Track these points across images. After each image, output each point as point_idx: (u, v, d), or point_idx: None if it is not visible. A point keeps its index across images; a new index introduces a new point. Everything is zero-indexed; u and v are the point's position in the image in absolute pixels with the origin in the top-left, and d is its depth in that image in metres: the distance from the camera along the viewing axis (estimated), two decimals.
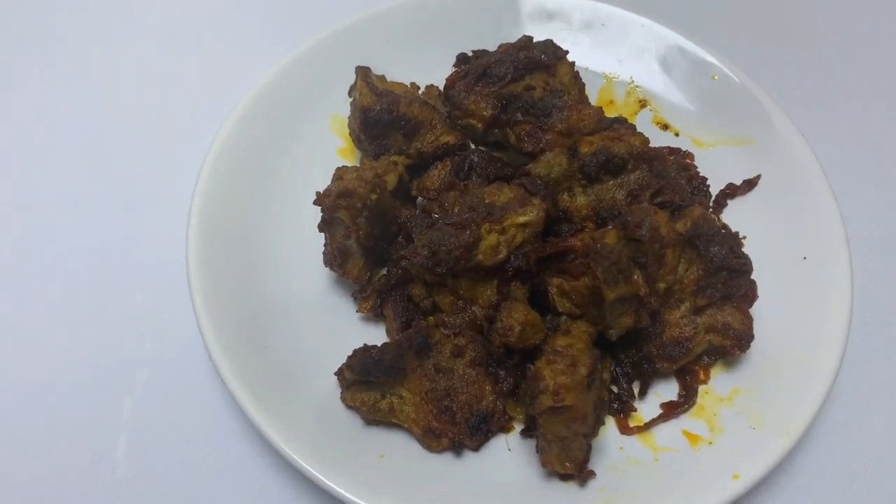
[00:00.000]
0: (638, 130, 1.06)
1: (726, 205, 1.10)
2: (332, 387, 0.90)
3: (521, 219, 0.90)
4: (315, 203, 0.91)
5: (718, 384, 0.95)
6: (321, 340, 0.94)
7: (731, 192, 1.10)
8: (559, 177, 0.99)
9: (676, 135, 1.18)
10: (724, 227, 1.06)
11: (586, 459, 0.84)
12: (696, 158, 1.15)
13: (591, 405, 0.83)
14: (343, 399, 0.89)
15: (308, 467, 0.80)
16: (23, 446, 0.92)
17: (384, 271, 1.00)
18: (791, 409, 0.88)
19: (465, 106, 1.08)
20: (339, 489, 0.79)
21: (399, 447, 0.88)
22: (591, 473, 0.85)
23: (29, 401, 0.96)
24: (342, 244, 0.95)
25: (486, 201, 0.92)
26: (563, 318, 0.91)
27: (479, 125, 1.08)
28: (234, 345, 0.88)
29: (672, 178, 1.01)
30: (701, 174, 1.12)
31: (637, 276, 0.87)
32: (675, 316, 0.94)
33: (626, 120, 1.11)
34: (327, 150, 1.12)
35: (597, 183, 0.99)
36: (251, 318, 0.93)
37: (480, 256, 0.89)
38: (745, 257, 0.96)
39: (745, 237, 1.05)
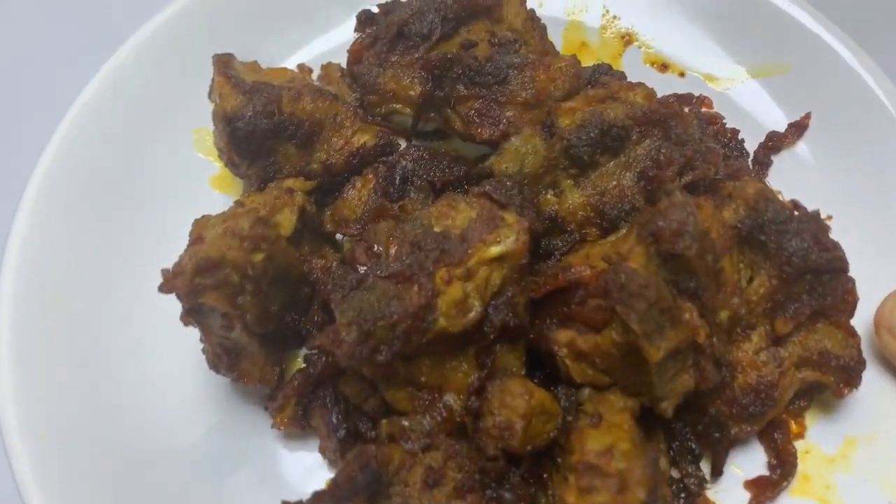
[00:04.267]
0: (632, 79, 0.90)
1: (771, 163, 0.92)
2: None
3: (493, 250, 0.71)
4: (161, 290, 0.63)
5: (821, 436, 0.77)
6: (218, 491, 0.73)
7: (776, 143, 0.93)
8: (536, 169, 0.82)
9: (681, 75, 1.01)
10: (795, 204, 0.88)
11: None
12: (714, 104, 0.98)
13: None
14: None
15: None
16: None
17: (303, 354, 0.80)
18: None
19: (380, 86, 0.90)
20: None
21: None
22: None
23: None
24: (224, 339, 0.72)
25: (436, 230, 0.73)
26: (586, 389, 0.71)
27: (407, 110, 0.92)
28: None
29: (698, 141, 0.82)
30: (728, 126, 0.95)
31: (690, 314, 0.66)
32: (746, 353, 0.75)
33: (610, 67, 0.96)
34: (195, 181, 0.91)
35: (591, 168, 0.82)
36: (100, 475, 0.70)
37: (442, 321, 0.69)
38: (836, 248, 0.75)
39: (829, 217, 0.83)
